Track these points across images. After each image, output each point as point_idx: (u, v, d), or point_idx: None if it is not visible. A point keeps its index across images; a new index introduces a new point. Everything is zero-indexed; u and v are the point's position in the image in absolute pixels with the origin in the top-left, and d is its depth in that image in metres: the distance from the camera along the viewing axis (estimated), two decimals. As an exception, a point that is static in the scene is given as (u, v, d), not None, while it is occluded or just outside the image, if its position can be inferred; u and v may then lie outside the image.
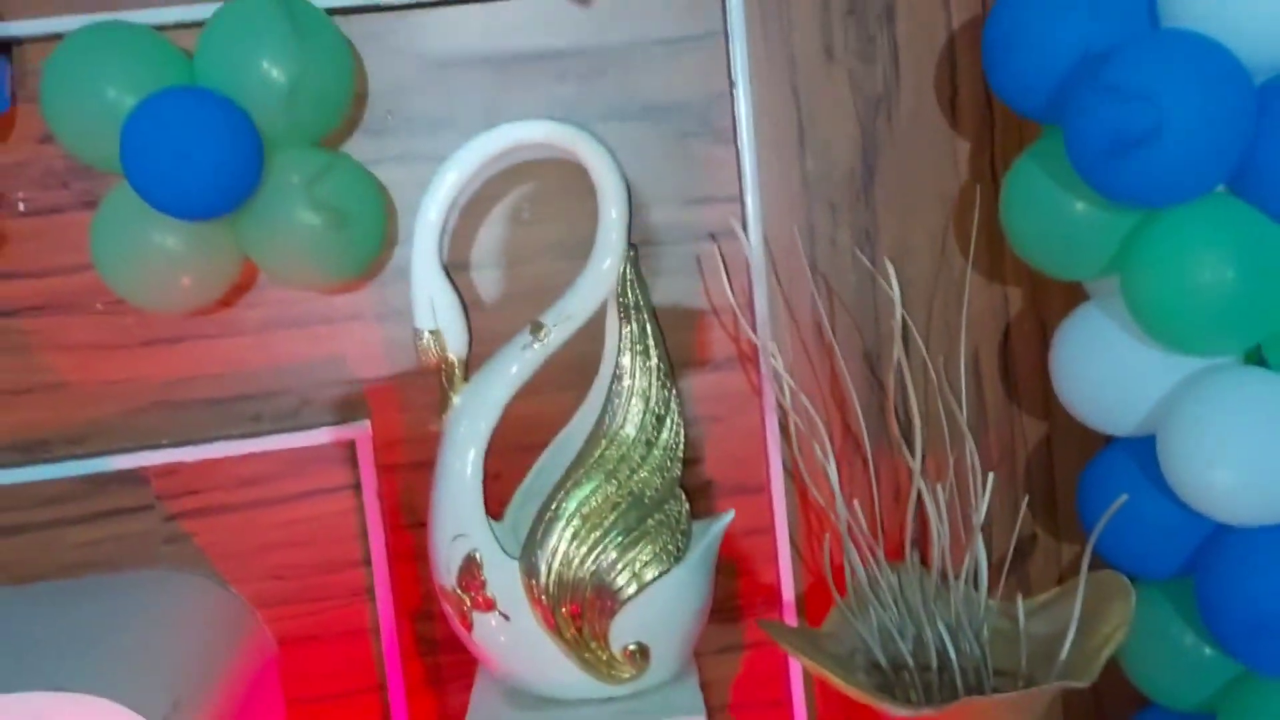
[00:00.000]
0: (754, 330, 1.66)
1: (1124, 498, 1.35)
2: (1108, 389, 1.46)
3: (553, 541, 1.41)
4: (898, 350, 1.58)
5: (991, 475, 1.45)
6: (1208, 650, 1.46)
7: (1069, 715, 1.84)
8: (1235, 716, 1.43)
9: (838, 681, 1.35)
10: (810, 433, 1.60)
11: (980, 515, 1.45)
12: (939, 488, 1.48)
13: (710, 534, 1.49)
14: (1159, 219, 1.34)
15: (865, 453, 1.69)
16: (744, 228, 1.66)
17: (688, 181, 1.67)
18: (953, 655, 1.45)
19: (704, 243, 1.68)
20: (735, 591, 1.74)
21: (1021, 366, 1.76)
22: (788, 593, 1.72)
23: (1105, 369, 1.46)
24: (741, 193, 1.67)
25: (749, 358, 1.70)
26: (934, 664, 1.48)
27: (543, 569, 1.40)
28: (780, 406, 1.65)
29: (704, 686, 1.49)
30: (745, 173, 1.66)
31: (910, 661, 1.48)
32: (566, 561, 1.40)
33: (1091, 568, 1.42)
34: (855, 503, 1.54)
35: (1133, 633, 1.52)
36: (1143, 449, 1.45)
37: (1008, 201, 1.49)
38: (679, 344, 1.68)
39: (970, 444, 1.53)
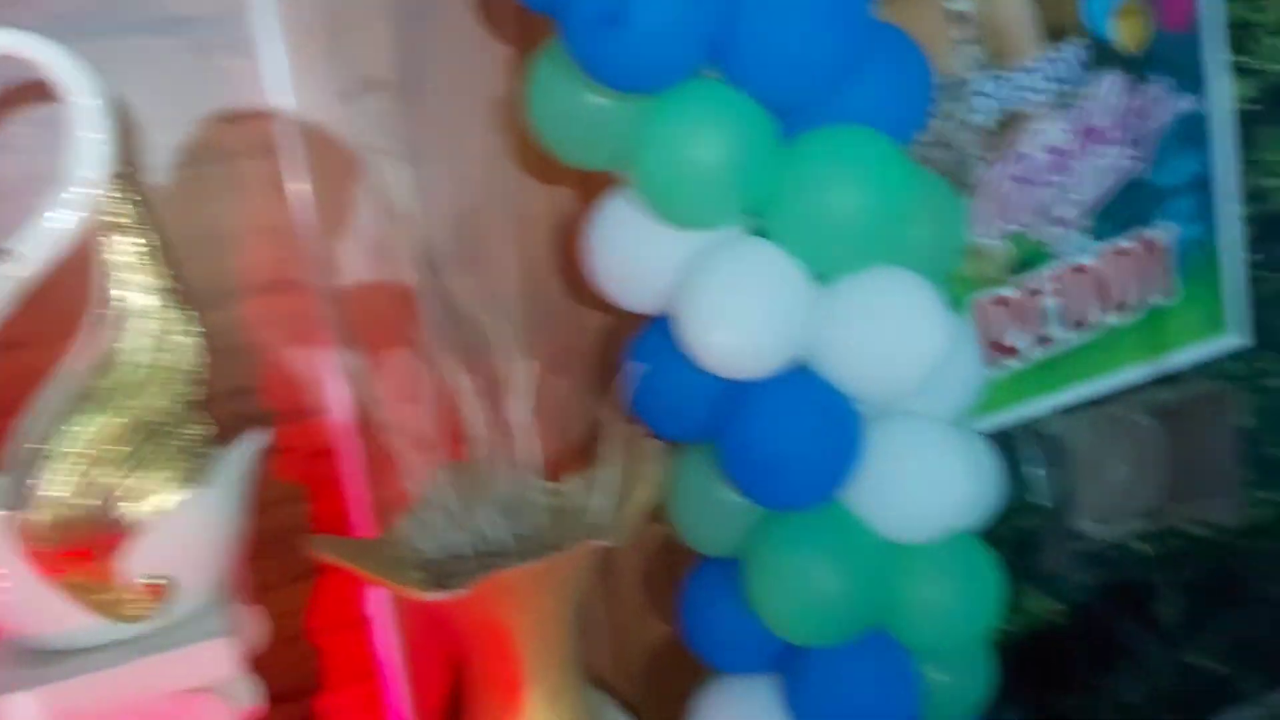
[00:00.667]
0: (301, 252, 1.61)
1: (641, 366, 1.42)
2: (632, 270, 1.55)
3: (49, 484, 1.30)
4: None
5: (535, 364, 1.49)
6: (735, 499, 1.58)
7: (650, 582, 1.96)
8: (753, 550, 1.58)
9: (382, 580, 1.35)
10: (365, 349, 1.58)
11: (524, 403, 1.49)
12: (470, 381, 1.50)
13: (235, 458, 1.43)
14: (654, 105, 1.43)
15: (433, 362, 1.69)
16: (284, 145, 1.61)
17: (214, 97, 1.60)
18: (508, 538, 1.48)
19: (243, 161, 1.61)
20: (305, 517, 1.70)
21: (580, 263, 1.81)
22: (361, 511, 1.70)
23: (629, 252, 1.55)
24: (275, 108, 1.62)
25: (298, 280, 1.65)
26: (495, 550, 1.51)
27: (38, 515, 1.30)
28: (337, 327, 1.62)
29: (280, 618, 1.44)
30: (276, 86, 1.61)
31: (471, 551, 1.50)
32: (66, 503, 1.30)
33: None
34: (417, 411, 1.54)
35: (678, 494, 1.64)
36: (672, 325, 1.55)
37: (530, 97, 1.54)
38: (221, 269, 1.62)
39: (511, 337, 1.56)
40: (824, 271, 1.49)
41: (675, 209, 1.45)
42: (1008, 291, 2.13)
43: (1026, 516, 2.22)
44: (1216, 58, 2.16)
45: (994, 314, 2.13)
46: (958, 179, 2.06)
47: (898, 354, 1.47)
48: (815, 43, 1.34)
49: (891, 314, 1.46)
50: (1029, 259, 2.13)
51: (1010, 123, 2.07)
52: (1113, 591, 2.36)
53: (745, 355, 1.44)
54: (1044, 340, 2.17)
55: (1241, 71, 2.21)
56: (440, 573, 1.52)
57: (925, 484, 1.53)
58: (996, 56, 2.04)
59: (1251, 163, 2.25)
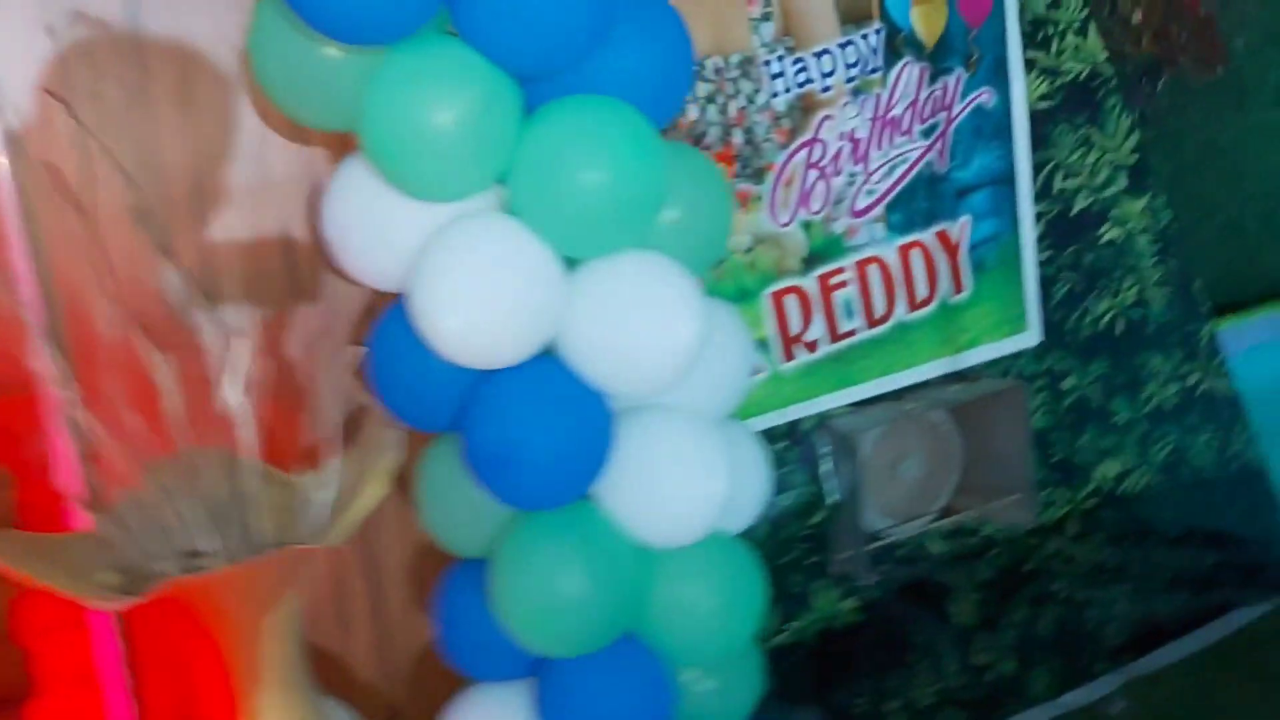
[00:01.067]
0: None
1: (360, 349, 1.30)
2: (369, 244, 1.41)
3: None
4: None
5: (246, 343, 1.35)
6: (483, 495, 1.46)
7: (418, 579, 1.83)
8: (498, 551, 1.46)
9: (51, 584, 1.20)
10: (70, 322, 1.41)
11: (238, 387, 1.35)
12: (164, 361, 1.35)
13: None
14: (382, 62, 1.29)
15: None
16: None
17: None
18: (215, 539, 1.34)
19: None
20: (9, 506, 1.53)
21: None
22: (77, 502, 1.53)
23: (365, 223, 1.41)
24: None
25: None
26: (199, 552, 1.37)
27: None
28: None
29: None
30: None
31: (170, 553, 1.36)
32: None
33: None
34: (120, 407, 1.38)
35: (426, 488, 1.52)
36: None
37: (252, 46, 1.38)
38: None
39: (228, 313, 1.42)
40: (571, 254, 1.38)
41: (406, 177, 1.31)
42: (803, 282, 2.07)
43: (818, 513, 2.18)
44: (1015, 54, 2.16)
45: (789, 305, 2.08)
46: (751, 163, 2.00)
47: (648, 345, 1.37)
48: (552, 1, 1.24)
49: (641, 302, 1.36)
50: (825, 250, 2.08)
51: (808, 107, 2.02)
52: (906, 590, 2.34)
53: (479, 343, 1.32)
54: (839, 333, 2.13)
55: (1039, 69, 2.20)
56: (139, 576, 1.38)
57: (679, 484, 1.44)
58: (794, 37, 1.98)
59: (1048, 161, 2.25)
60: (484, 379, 1.39)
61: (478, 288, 1.31)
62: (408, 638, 1.88)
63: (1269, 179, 4.53)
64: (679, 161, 1.45)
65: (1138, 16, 4.69)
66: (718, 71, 1.92)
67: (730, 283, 2.00)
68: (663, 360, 1.38)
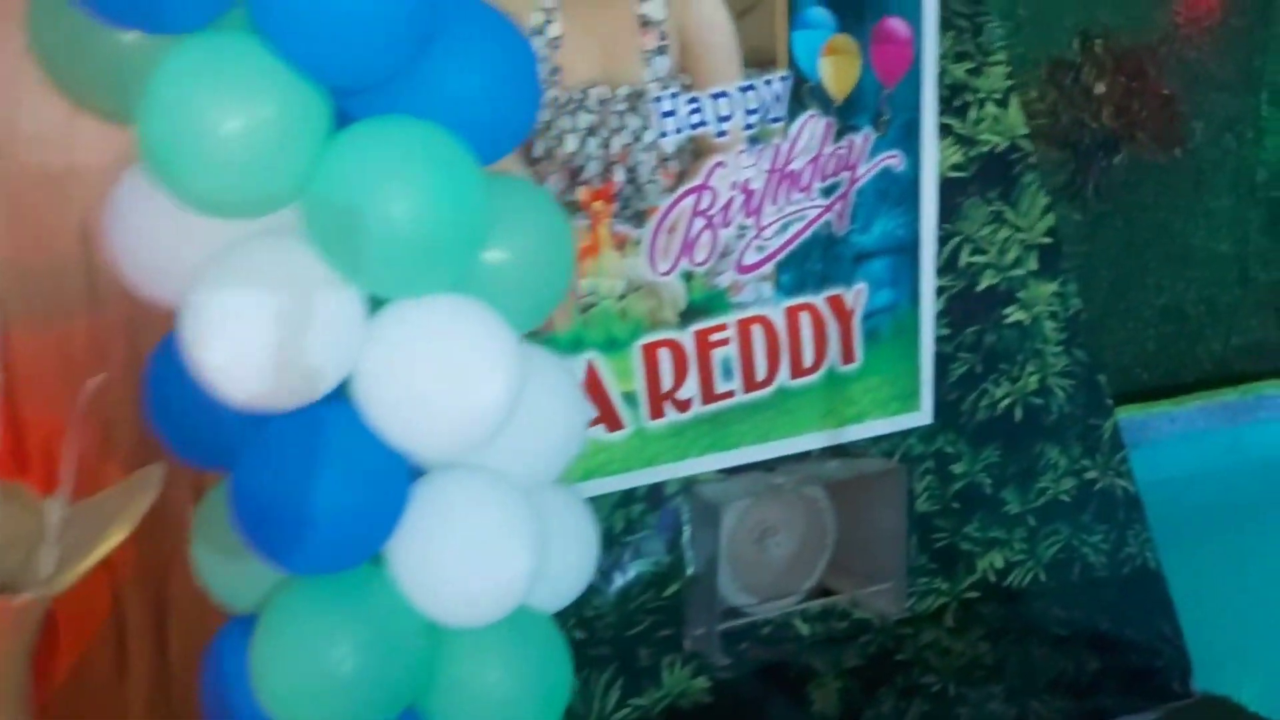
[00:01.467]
0: None
1: (101, 377, 1.14)
2: (150, 259, 1.25)
3: None
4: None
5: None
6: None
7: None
8: (263, 614, 1.30)
9: None
10: None
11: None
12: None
13: None
14: (163, 51, 1.13)
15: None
16: None
17: None
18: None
19: None
20: None
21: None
22: None
23: (146, 235, 1.24)
24: None
25: None
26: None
27: None
28: None
29: None
30: None
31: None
32: None
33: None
34: None
35: (198, 532, 1.36)
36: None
37: (29, 21, 1.21)
38: None
39: None
40: (369, 290, 1.23)
41: (182, 188, 1.14)
42: (679, 337, 1.93)
43: (674, 584, 2.03)
44: (929, 118, 2.04)
45: (662, 359, 1.94)
46: (632, 204, 1.86)
47: (448, 401, 1.22)
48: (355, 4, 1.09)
49: (443, 353, 1.21)
50: (706, 304, 1.94)
51: (700, 151, 1.88)
52: (765, 672, 2.20)
53: (247, 382, 1.15)
54: (714, 394, 1.99)
55: (954, 137, 2.09)
56: None
57: (476, 558, 1.28)
58: (691, 75, 1.85)
59: (955, 234, 2.14)
60: (258, 419, 1.23)
61: (248, 320, 1.14)
62: (187, 687, 1.70)
63: (1215, 265, 4.50)
64: (509, 197, 1.30)
65: (1100, 88, 4.66)
66: (602, 103, 1.77)
67: (599, 331, 1.85)
68: (464, 419, 1.22)
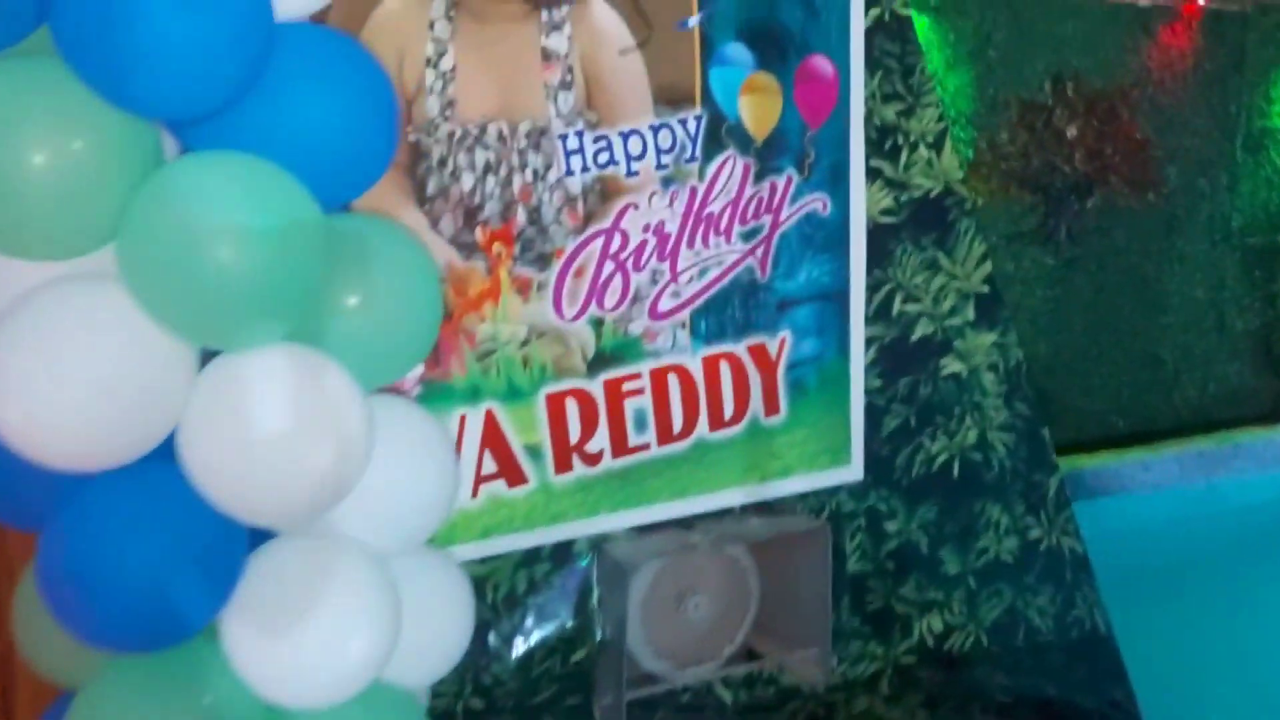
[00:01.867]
0: None
1: None
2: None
3: None
4: None
5: None
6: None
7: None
8: (82, 697, 1.17)
9: None
10: None
11: None
12: None
13: None
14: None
15: None
16: None
17: None
18: None
19: None
20: None
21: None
22: None
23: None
24: None
25: None
26: None
27: None
28: None
29: None
30: None
31: None
32: None
33: None
34: None
35: (19, 602, 1.25)
36: None
37: None
38: None
39: None
40: (194, 340, 1.12)
41: (-18, 226, 1.07)
42: (587, 386, 1.82)
43: (581, 649, 1.92)
44: (857, 161, 1.94)
45: (569, 410, 1.83)
46: (535, 246, 1.77)
47: (279, 461, 1.11)
48: (160, 24, 0.99)
49: (275, 407, 1.11)
50: (617, 352, 1.83)
51: (609, 192, 1.79)
52: (684, 740, 2.09)
53: (50, 442, 1.04)
54: (627, 446, 1.88)
55: (884, 180, 2.00)
56: None
57: (317, 632, 1.17)
58: (598, 112, 1.76)
59: (886, 282, 2.04)
60: (73, 479, 1.13)
61: (49, 373, 1.03)
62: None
63: (1191, 311, 4.42)
64: (364, 238, 1.20)
65: (1072, 131, 4.60)
66: (501, 138, 1.69)
67: (499, 379, 1.75)
68: (295, 484, 1.12)
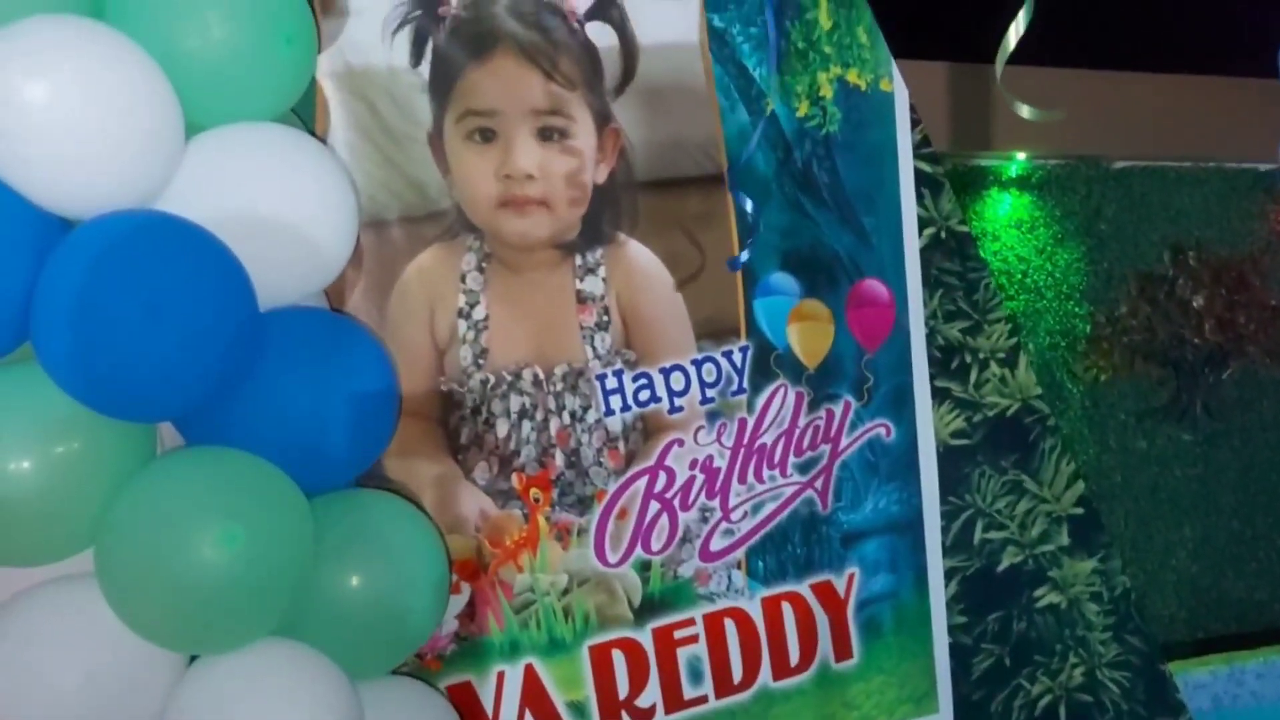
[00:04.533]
0: None
1: None
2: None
3: None
4: None
5: None
6: None
7: None
8: None
9: None
10: None
11: None
12: None
13: None
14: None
15: None
16: None
17: None
18: None
19: None
20: None
21: None
22: None
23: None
24: None
25: None
26: None
27: None
28: None
29: None
30: None
31: None
32: None
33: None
34: None
35: None
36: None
37: None
38: None
39: None
40: (176, 647, 1.07)
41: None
42: (635, 635, 1.71)
43: None
44: (921, 383, 1.83)
45: (616, 662, 1.72)
46: (574, 490, 1.70)
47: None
48: (133, 338, 0.99)
49: (258, 710, 1.05)
50: (667, 597, 1.73)
51: (652, 429, 1.72)
52: None
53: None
54: (683, 700, 1.75)
55: (953, 401, 1.87)
56: None
57: None
58: (636, 350, 1.71)
59: (964, 508, 1.89)
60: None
61: (31, 675, 1.01)
62: None
63: (1355, 489, 4.03)
64: (364, 519, 1.16)
65: (1199, 301, 4.37)
66: (536, 383, 1.65)
67: (538, 632, 1.66)
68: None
